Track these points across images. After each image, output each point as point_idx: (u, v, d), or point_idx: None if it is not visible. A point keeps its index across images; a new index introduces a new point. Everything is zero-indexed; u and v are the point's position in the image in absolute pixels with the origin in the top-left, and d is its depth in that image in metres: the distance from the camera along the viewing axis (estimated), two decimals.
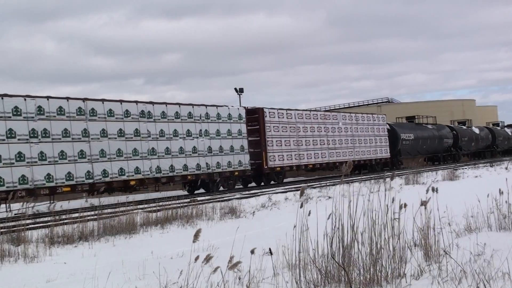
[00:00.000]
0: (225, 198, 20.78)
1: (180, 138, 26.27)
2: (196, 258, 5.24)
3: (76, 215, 14.32)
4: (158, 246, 10.67)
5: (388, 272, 6.07)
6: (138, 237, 12.57)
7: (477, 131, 59.28)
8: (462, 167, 36.77)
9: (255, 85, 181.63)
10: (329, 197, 18.60)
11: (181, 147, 26.18)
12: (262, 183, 31.60)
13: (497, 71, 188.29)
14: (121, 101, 24.21)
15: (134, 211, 14.91)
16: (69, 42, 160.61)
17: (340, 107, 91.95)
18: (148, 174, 24.56)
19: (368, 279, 5.93)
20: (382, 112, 66.70)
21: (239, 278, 6.27)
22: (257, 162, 30.79)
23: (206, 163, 27.36)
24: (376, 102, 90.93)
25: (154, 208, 16.42)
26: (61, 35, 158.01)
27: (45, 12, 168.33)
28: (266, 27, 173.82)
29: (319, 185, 25.68)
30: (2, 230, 12.07)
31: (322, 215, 6.44)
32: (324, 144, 36.21)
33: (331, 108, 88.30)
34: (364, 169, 40.31)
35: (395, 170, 39.09)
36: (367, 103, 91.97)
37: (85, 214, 13.86)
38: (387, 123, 44.86)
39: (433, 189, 7.19)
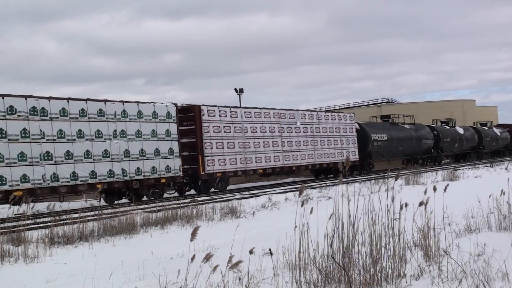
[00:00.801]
0: (225, 199, 20.78)
1: (86, 140, 22.22)
2: (193, 258, 5.24)
3: (76, 215, 14.32)
4: (158, 246, 10.67)
5: (388, 272, 6.07)
6: (138, 237, 12.57)
7: (461, 131, 55.28)
8: (462, 167, 36.75)
9: (255, 85, 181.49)
10: (329, 198, 18.60)
11: (87, 151, 22.16)
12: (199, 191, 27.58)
13: (497, 72, 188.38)
14: (3, 96, 19.96)
15: (134, 211, 14.91)
16: (70, 43, 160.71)
17: (340, 107, 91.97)
18: (41, 183, 20.41)
19: (368, 280, 5.93)
20: (382, 113, 66.48)
21: (239, 279, 6.26)
22: (193, 167, 27.17)
23: (122, 169, 23.31)
24: (376, 102, 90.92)
25: (154, 209, 16.43)
26: (62, 35, 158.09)
27: (47, 13, 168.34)
28: (267, 27, 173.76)
29: (319, 185, 25.67)
30: (2, 230, 12.07)
31: (322, 215, 6.44)
32: (277, 146, 32.21)
33: (331, 109, 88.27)
34: (329, 173, 37.73)
35: (364, 174, 37.25)
36: (367, 104, 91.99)
37: (85, 214, 13.86)
38: (357, 123, 40.87)
39: (434, 189, 7.18)
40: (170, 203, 16.98)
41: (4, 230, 11.99)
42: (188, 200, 19.25)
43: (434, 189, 7.16)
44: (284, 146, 32.78)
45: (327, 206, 7.15)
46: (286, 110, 33.71)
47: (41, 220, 15.91)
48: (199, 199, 20.53)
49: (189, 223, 14.15)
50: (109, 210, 16.17)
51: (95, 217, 13.60)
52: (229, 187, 30.16)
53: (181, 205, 16.19)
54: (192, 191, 27.89)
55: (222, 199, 20.48)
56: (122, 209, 15.42)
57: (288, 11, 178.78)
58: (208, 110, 28.19)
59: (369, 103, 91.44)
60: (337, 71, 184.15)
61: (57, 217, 13.54)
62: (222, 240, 9.84)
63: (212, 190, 28.09)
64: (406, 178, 25.27)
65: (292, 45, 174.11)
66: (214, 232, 11.99)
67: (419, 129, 48.22)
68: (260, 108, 32.00)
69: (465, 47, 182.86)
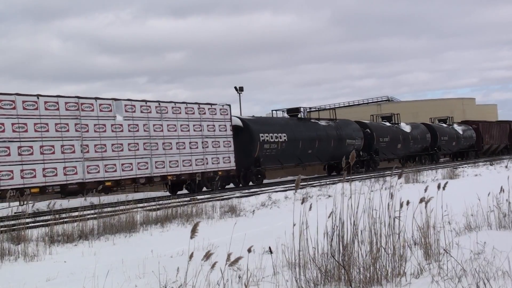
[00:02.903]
0: (225, 197, 20.78)
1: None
2: (191, 256, 5.24)
3: (76, 213, 14.31)
4: (158, 244, 10.66)
5: (388, 270, 6.07)
6: (138, 235, 12.57)
7: (407, 128, 45.23)
8: (462, 166, 36.73)
9: (258, 83, 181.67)
10: (329, 196, 18.60)
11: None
12: None
13: (499, 70, 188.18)
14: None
15: (134, 209, 14.90)
16: (74, 41, 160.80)
17: (341, 106, 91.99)
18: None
19: (368, 278, 5.93)
20: (382, 111, 66.06)
21: (239, 277, 6.27)
22: None
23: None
24: (376, 101, 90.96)
25: (154, 207, 16.41)
26: (67, 34, 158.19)
27: (52, 11, 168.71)
28: (271, 26, 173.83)
29: (318, 183, 25.68)
30: (2, 228, 12.07)
31: (322, 213, 6.45)
32: (73, 152, 21.37)
33: (330, 108, 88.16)
34: (186, 187, 27.18)
35: (251, 187, 27.84)
36: (366, 102, 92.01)
37: (85, 212, 13.86)
38: (239, 118, 30.57)
39: (438, 187, 7.19)
40: (170, 201, 16.94)
41: (4, 229, 11.98)
42: (188, 199, 19.22)
43: (439, 187, 7.17)
44: (88, 152, 21.97)
45: (327, 205, 7.16)
46: (94, 99, 22.76)
47: (41, 218, 15.90)
48: (199, 197, 20.51)
49: (189, 222, 14.15)
50: (109, 209, 16.16)
51: (95, 215, 13.60)
52: None
53: (181, 203, 16.18)
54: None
55: (222, 198, 20.48)
56: (122, 207, 15.39)
57: (292, 9, 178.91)
58: None
59: (369, 102, 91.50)
60: (339, 69, 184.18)
61: (57, 216, 13.53)
62: (222, 239, 9.84)
63: None
64: (406, 176, 25.27)
65: (295, 43, 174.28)
66: (214, 231, 11.98)
67: (341, 127, 37.40)
68: (38, 96, 20.68)
69: (467, 45, 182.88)
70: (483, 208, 9.46)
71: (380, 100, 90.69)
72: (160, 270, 6.68)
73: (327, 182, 25.89)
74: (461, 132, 52.58)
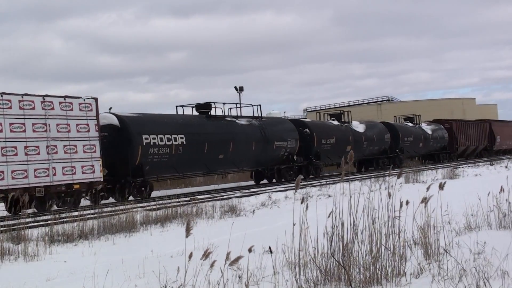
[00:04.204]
0: (225, 197, 20.78)
1: None
2: (190, 255, 5.24)
3: (76, 213, 14.32)
4: (158, 244, 10.67)
5: (388, 270, 6.07)
6: (138, 235, 12.57)
7: (360, 128, 38.72)
8: (462, 166, 36.73)
9: (259, 83, 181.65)
10: (329, 196, 18.60)
11: None
12: None
13: (500, 70, 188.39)
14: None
15: (134, 209, 14.91)
16: (77, 41, 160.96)
17: (341, 105, 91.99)
18: None
19: (368, 278, 5.93)
20: (382, 111, 65.74)
21: (239, 277, 6.27)
22: None
23: None
24: (376, 100, 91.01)
25: (154, 207, 16.42)
26: (69, 33, 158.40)
27: (55, 11, 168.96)
28: (273, 25, 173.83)
29: (318, 183, 25.68)
30: (2, 228, 12.07)
31: (322, 213, 6.45)
32: None
33: (330, 107, 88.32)
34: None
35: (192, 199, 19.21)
36: (367, 102, 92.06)
37: (85, 212, 13.86)
38: (116, 115, 23.96)
39: (440, 186, 7.18)
40: (170, 201, 16.96)
41: (4, 228, 11.99)
42: (188, 199, 19.23)
43: (440, 186, 7.16)
44: None
45: (327, 204, 7.16)
46: None
47: (41, 218, 15.90)
48: (199, 197, 20.52)
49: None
50: (109, 209, 16.17)
51: (95, 215, 13.61)
52: None
53: (181, 203, 16.19)
54: None
55: (222, 198, 20.48)
56: (122, 207, 15.40)
57: (294, 9, 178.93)
58: None
59: (369, 101, 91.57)
60: (341, 69, 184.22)
61: (57, 215, 13.54)
62: (222, 238, 9.82)
63: None
64: (406, 176, 25.27)
65: (297, 43, 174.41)
66: (214, 230, 11.99)
67: (268, 126, 31.01)
68: None
69: (468, 45, 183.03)
70: (483, 208, 9.46)
71: (380, 100, 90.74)
72: (160, 270, 6.68)
73: (327, 182, 25.89)
74: (429, 132, 46.76)
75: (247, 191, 24.42)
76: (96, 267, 7.75)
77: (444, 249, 6.59)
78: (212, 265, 5.17)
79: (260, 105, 31.53)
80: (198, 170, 27.57)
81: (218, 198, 20.34)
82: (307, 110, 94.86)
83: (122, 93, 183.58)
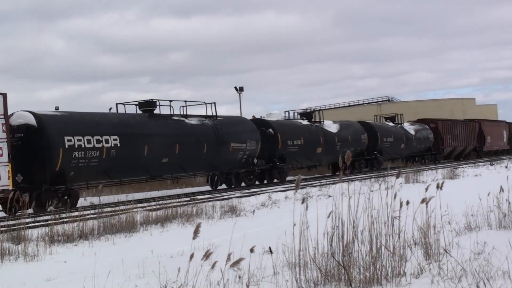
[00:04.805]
0: (225, 197, 20.78)
1: None
2: (191, 256, 5.24)
3: (76, 213, 14.32)
4: (158, 244, 10.66)
5: (388, 270, 6.07)
6: (138, 235, 12.57)
7: (333, 128, 35.53)
8: (462, 166, 36.70)
9: (260, 83, 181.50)
10: (329, 196, 18.61)
11: None
12: None
13: (501, 70, 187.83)
14: None
15: (134, 209, 14.91)
16: (78, 41, 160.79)
17: (341, 106, 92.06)
18: None
19: (368, 278, 5.94)
20: (382, 111, 65.67)
21: (239, 277, 6.27)
22: None
23: None
24: (376, 101, 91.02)
25: (154, 207, 16.42)
26: (71, 34, 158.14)
27: (57, 11, 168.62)
28: (275, 26, 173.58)
29: (318, 183, 25.69)
30: (2, 228, 12.07)
31: (322, 213, 6.45)
32: None
33: (330, 107, 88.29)
34: None
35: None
36: (367, 102, 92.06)
37: (85, 212, 13.86)
38: (33, 114, 20.90)
39: (438, 186, 7.18)
40: (170, 201, 16.96)
41: (4, 229, 11.99)
42: (188, 199, 19.24)
43: (438, 186, 7.16)
44: None
45: (327, 205, 7.16)
46: None
47: (41, 218, 15.90)
48: (199, 197, 20.53)
49: (189, 222, 14.16)
50: (109, 209, 16.16)
51: (95, 215, 13.61)
52: None
53: (181, 203, 16.19)
54: None
55: (222, 198, 20.48)
56: (122, 207, 15.39)
57: (296, 9, 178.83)
58: None
59: (369, 102, 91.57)
60: (342, 69, 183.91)
61: (57, 216, 13.54)
62: (222, 239, 9.84)
63: None
64: (406, 176, 25.28)
65: (298, 43, 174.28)
66: (214, 231, 11.99)
67: (224, 126, 27.98)
68: None
69: (470, 45, 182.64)
70: (483, 208, 9.46)
71: (381, 100, 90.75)
72: (160, 270, 6.68)
73: (327, 182, 25.90)
74: (412, 133, 43.71)
75: (247, 191, 24.40)
76: (96, 267, 7.75)
77: (444, 249, 6.60)
78: (213, 266, 5.17)
79: (215, 103, 28.34)
80: (137, 176, 24.62)
81: (218, 198, 20.35)
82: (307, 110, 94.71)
83: (123, 93, 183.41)
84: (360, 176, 26.91)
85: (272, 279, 6.26)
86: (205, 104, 28.19)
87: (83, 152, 21.07)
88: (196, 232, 5.27)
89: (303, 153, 32.44)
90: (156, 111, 25.73)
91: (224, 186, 28.99)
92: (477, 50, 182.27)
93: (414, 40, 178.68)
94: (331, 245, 6.15)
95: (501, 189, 9.22)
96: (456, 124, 50.79)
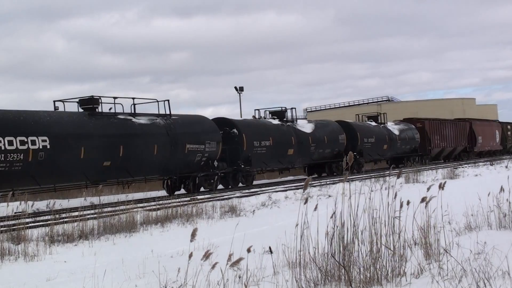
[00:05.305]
0: (225, 197, 20.78)
1: None
2: (190, 255, 5.24)
3: (76, 213, 14.32)
4: (158, 244, 10.67)
5: (388, 270, 6.07)
6: (138, 235, 12.57)
7: (307, 128, 32.96)
8: (462, 166, 36.65)
9: (261, 83, 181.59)
10: (329, 196, 18.61)
11: None
12: None
13: (501, 70, 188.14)
14: None
15: (134, 209, 14.91)
16: (79, 41, 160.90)
17: (341, 106, 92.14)
18: None
19: (368, 278, 5.93)
20: (382, 111, 65.82)
21: (239, 277, 6.27)
22: None
23: None
24: (376, 100, 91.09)
25: (154, 207, 16.42)
26: (72, 33, 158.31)
27: (58, 11, 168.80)
28: (275, 26, 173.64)
29: (318, 183, 25.68)
30: (2, 228, 12.07)
31: (322, 213, 6.45)
32: None
33: (330, 107, 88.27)
34: None
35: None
36: (367, 102, 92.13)
37: (85, 212, 13.86)
38: None
39: (440, 186, 7.18)
40: (170, 201, 16.96)
41: (4, 228, 11.99)
42: (188, 199, 19.23)
43: (440, 186, 7.16)
44: None
45: (327, 204, 7.16)
46: None
47: (41, 218, 15.90)
48: (199, 197, 20.52)
49: (189, 221, 14.16)
50: (109, 209, 16.16)
51: (95, 215, 13.61)
52: None
53: (181, 203, 16.18)
54: None
55: (222, 198, 20.48)
56: (122, 207, 15.39)
57: (297, 9, 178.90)
58: None
59: (369, 101, 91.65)
60: (342, 69, 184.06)
61: (57, 215, 13.53)
62: (222, 239, 9.84)
63: None
64: (406, 176, 25.28)
65: (299, 43, 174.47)
66: (214, 231, 11.99)
67: (179, 125, 25.02)
68: None
69: (470, 45, 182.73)
70: (483, 208, 9.46)
71: (380, 100, 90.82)
72: (160, 270, 6.69)
73: (327, 182, 25.90)
74: (396, 133, 41.13)
75: (247, 191, 24.36)
76: (96, 267, 7.75)
77: (444, 249, 6.59)
78: (213, 267, 5.17)
79: (168, 100, 25.17)
80: (74, 181, 21.76)
81: (218, 198, 20.35)
82: (307, 110, 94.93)
83: (124, 93, 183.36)
84: (360, 176, 26.88)
85: (272, 279, 6.26)
86: (157, 101, 25.08)
87: (3, 155, 18.18)
88: (193, 235, 5.30)
89: (273, 155, 29.81)
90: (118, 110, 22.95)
91: (183, 191, 25.91)
92: (477, 50, 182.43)
93: (414, 40, 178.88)
94: (331, 244, 6.15)
95: (502, 189, 9.23)
96: (444, 123, 48.37)
